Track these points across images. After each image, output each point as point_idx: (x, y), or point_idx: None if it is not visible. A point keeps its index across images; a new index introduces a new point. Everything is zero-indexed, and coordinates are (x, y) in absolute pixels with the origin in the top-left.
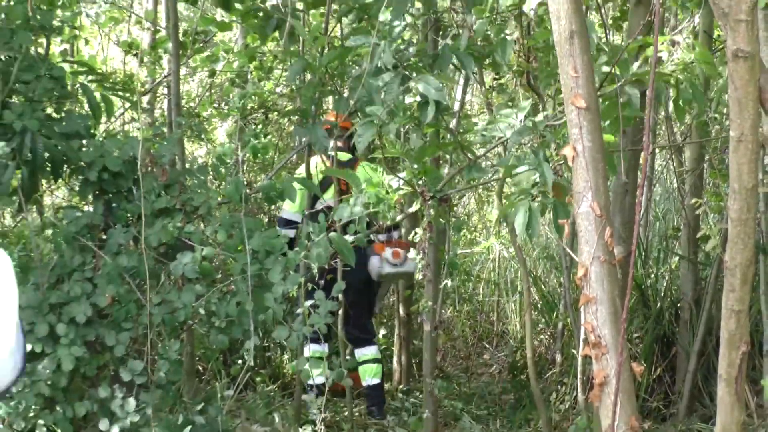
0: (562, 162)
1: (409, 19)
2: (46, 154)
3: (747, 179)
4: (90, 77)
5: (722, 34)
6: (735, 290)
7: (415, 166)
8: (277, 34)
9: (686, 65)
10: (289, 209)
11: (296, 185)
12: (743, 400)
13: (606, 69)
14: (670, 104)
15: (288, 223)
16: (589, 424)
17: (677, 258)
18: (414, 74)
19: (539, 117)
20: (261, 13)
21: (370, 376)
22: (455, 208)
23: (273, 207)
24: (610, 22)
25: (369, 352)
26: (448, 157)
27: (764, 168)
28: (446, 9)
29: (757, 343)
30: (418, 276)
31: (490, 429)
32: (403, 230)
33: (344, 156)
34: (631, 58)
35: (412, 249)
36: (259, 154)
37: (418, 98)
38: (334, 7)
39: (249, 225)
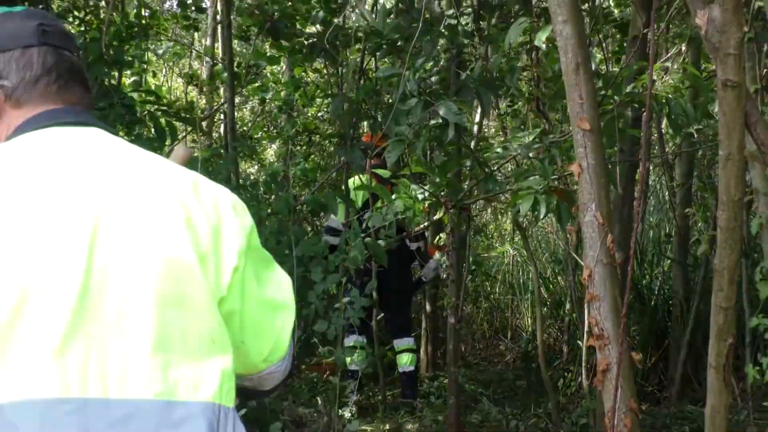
0: (567, 173)
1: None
2: None
3: (734, 192)
4: (156, 105)
5: (710, 66)
6: (723, 289)
7: (438, 179)
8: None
9: (676, 87)
10: (335, 218)
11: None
12: (730, 385)
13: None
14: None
15: (333, 231)
16: (592, 406)
17: (669, 261)
18: (436, 100)
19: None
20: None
21: (405, 364)
22: (474, 218)
23: (317, 218)
24: (610, 55)
25: (405, 342)
26: (467, 172)
27: (748, 182)
28: (468, 44)
29: (740, 336)
30: (443, 276)
31: (505, 411)
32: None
33: (385, 173)
34: (626, 81)
35: (437, 252)
36: (305, 173)
37: (440, 120)
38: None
39: (295, 233)
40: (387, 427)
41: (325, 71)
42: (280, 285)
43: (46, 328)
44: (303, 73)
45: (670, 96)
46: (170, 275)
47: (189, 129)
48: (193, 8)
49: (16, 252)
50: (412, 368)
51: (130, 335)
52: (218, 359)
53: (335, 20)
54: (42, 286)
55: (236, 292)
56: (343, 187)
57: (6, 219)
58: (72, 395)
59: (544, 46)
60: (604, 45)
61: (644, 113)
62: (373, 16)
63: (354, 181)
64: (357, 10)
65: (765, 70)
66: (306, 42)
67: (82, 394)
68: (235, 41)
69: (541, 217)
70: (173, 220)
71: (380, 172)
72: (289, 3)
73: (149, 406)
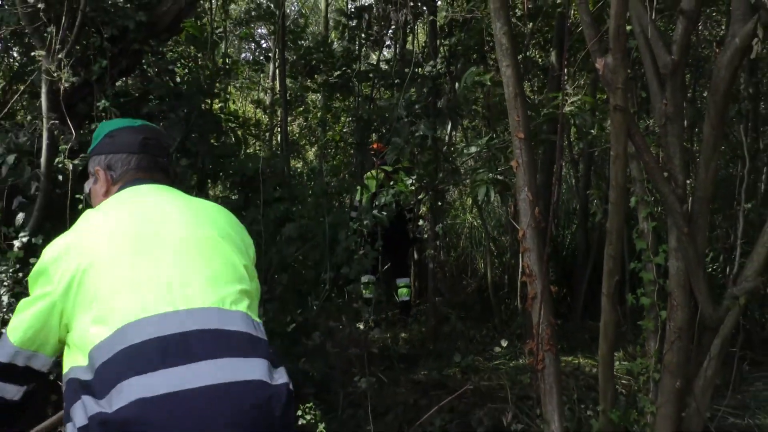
0: (508, 167)
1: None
2: (210, 166)
3: (620, 179)
4: (235, 122)
5: (604, 95)
6: (612, 243)
7: (422, 172)
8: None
9: (580, 107)
10: (357, 199)
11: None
12: (616, 308)
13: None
14: (571, 132)
15: (355, 208)
16: (524, 321)
17: (575, 225)
18: (419, 120)
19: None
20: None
21: (403, 295)
22: (445, 197)
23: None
24: (536, 88)
25: (404, 281)
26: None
27: (629, 173)
28: (441, 81)
29: (623, 275)
30: (425, 236)
31: (466, 324)
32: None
33: (387, 168)
34: (547, 105)
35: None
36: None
37: (422, 133)
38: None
39: (327, 208)
40: (388, 335)
41: (346, 100)
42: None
43: (144, 270)
44: (332, 101)
45: (576, 114)
46: (208, 243)
47: (256, 139)
48: (261, 57)
49: (125, 231)
50: (407, 298)
51: (196, 274)
52: (244, 293)
53: (354, 66)
54: (142, 245)
55: (252, 261)
56: (360, 178)
57: (118, 217)
58: (166, 310)
59: (489, 83)
60: (532, 81)
61: (558, 126)
62: (378, 63)
63: (368, 174)
64: (367, 61)
65: (639, 99)
66: (333, 80)
67: (170, 307)
68: (288, 79)
69: (491, 200)
70: (203, 217)
71: (387, 168)
72: (321, 55)
73: (210, 311)
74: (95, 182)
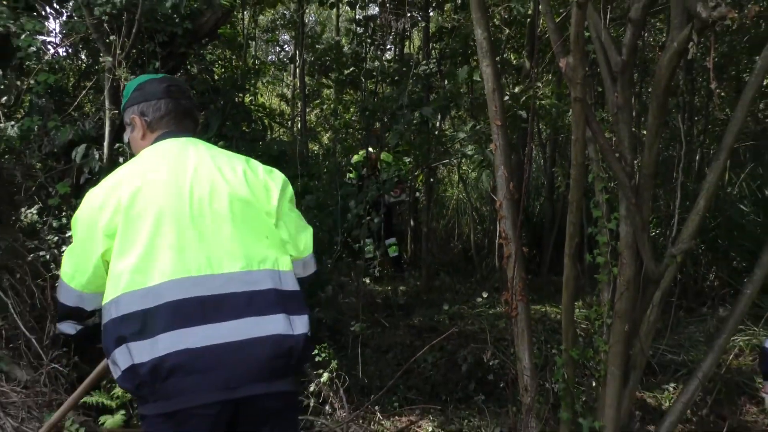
0: (489, 150)
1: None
2: (243, 148)
3: (579, 159)
4: (262, 113)
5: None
6: (573, 212)
7: (417, 152)
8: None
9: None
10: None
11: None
12: (576, 265)
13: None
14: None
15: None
16: (501, 277)
17: (543, 197)
18: (418, 108)
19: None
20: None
21: (392, 252)
22: (436, 173)
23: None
24: (511, 84)
25: (391, 240)
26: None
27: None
28: (434, 78)
29: (582, 238)
30: (421, 205)
31: (453, 279)
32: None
33: (388, 156)
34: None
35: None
36: (345, 149)
37: (419, 120)
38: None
39: (339, 182)
40: (389, 287)
41: (355, 94)
42: (302, 219)
43: (172, 237)
44: (343, 95)
45: (545, 105)
46: (237, 200)
47: (280, 127)
48: (284, 59)
49: (156, 192)
50: (396, 254)
51: (221, 235)
52: (271, 247)
53: (361, 65)
54: (168, 213)
55: (278, 210)
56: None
57: (150, 176)
58: (193, 274)
59: (480, 80)
60: (507, 78)
61: (529, 115)
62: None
63: (356, 155)
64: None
65: (595, 92)
66: (344, 78)
67: (198, 273)
68: (306, 77)
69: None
70: (235, 171)
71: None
72: (334, 56)
73: (237, 274)
74: (132, 130)
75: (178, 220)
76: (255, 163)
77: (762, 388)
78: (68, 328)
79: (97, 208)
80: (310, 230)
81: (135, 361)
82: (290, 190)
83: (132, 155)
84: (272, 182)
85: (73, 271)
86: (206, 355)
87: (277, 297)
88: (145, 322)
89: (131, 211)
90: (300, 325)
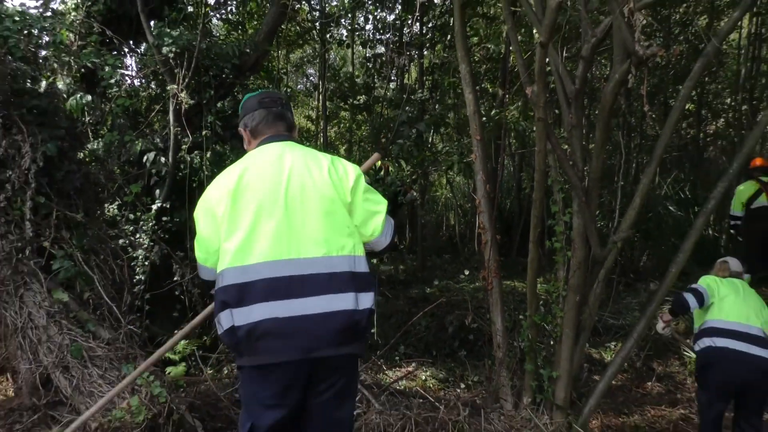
0: (470, 160)
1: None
2: None
3: (541, 166)
4: None
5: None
6: (536, 208)
7: (415, 160)
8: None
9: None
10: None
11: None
12: (539, 249)
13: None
14: (511, 136)
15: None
16: (480, 259)
17: (512, 196)
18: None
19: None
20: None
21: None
22: (429, 176)
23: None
24: (487, 108)
25: None
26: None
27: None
28: (427, 102)
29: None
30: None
31: (443, 259)
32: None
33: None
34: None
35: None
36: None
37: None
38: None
39: None
40: (392, 267)
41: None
42: (376, 202)
43: (270, 225)
44: (357, 115)
45: (514, 124)
46: (323, 198)
47: (307, 141)
48: (310, 87)
49: (258, 190)
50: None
51: (308, 227)
52: (350, 236)
53: (371, 93)
54: (267, 206)
55: (353, 202)
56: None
57: (252, 176)
58: (284, 257)
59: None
60: (485, 103)
61: (502, 131)
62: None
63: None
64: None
65: (554, 114)
66: (357, 103)
67: (289, 255)
68: (327, 102)
69: (457, 174)
70: (323, 173)
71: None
72: (349, 86)
73: (320, 259)
74: (244, 140)
75: (274, 213)
76: (337, 161)
77: (661, 316)
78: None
79: (214, 203)
80: (379, 215)
81: (235, 324)
82: (363, 182)
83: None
84: (349, 178)
85: (205, 256)
86: (290, 323)
87: (350, 278)
88: (243, 293)
89: (237, 204)
90: (366, 301)
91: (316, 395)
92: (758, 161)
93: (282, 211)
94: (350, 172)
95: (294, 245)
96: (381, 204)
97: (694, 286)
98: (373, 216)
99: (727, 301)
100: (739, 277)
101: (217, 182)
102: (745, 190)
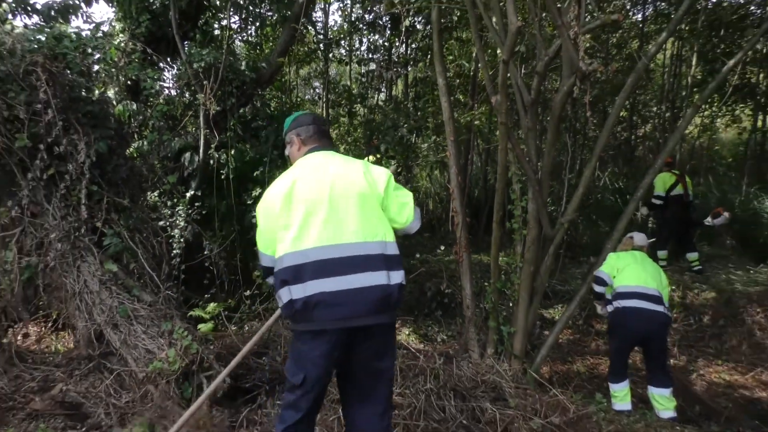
0: (444, 156)
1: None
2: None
3: (503, 161)
4: None
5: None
6: (499, 195)
7: (399, 157)
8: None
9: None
10: None
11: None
12: (500, 229)
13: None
14: (478, 139)
15: None
16: (453, 236)
17: (480, 186)
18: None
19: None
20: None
21: None
22: (411, 169)
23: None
24: (459, 113)
25: None
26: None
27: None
28: (412, 110)
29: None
30: None
31: (422, 238)
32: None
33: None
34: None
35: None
36: (355, 156)
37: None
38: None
39: None
40: None
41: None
42: (405, 195)
43: (318, 218)
44: (353, 120)
45: (481, 127)
46: (359, 195)
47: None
48: (316, 97)
49: (307, 190)
50: None
51: (348, 218)
52: (381, 225)
53: (365, 102)
54: (315, 203)
55: (385, 197)
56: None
57: (304, 180)
58: (331, 243)
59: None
60: (457, 109)
61: (471, 133)
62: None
63: (365, 160)
64: (372, 99)
65: (514, 119)
66: (354, 110)
67: (334, 241)
68: (330, 109)
69: (433, 172)
70: (359, 175)
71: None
72: (347, 96)
73: (358, 243)
74: (291, 146)
75: (321, 208)
76: (370, 165)
77: (595, 303)
78: (271, 279)
79: (273, 200)
80: (408, 205)
81: (293, 297)
82: (392, 180)
83: (290, 165)
84: (380, 178)
85: (265, 246)
86: (337, 296)
87: (383, 259)
88: (298, 272)
89: (291, 203)
90: (396, 277)
91: (358, 354)
92: (668, 159)
93: (327, 206)
94: (383, 173)
95: (338, 233)
96: (408, 196)
97: (597, 272)
98: (405, 206)
99: (628, 270)
100: (641, 250)
101: (275, 185)
102: (666, 177)
